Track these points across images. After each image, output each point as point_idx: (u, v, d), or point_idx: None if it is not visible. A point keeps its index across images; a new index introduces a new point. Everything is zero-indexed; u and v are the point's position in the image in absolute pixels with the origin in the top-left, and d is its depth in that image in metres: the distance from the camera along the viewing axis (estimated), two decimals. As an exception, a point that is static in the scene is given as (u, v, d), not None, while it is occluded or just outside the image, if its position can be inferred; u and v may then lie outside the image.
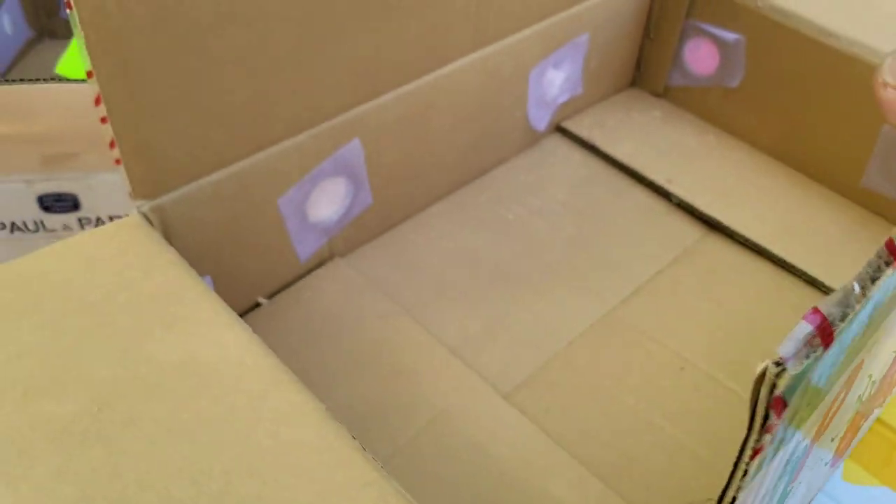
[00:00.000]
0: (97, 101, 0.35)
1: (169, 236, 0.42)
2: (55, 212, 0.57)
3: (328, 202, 0.51)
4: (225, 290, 0.47)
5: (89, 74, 0.34)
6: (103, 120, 0.36)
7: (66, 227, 0.58)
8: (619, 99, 0.69)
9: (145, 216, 0.40)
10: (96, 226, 0.59)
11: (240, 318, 0.34)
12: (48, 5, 0.75)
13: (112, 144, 0.37)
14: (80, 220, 0.58)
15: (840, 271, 0.54)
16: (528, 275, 0.54)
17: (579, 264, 0.55)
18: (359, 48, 0.44)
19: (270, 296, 0.51)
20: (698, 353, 0.49)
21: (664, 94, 0.69)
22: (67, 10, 0.32)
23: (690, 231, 0.58)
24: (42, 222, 0.57)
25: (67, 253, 0.36)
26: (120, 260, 0.36)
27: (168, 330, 0.33)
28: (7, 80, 0.52)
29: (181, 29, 0.35)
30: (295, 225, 0.49)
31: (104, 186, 0.56)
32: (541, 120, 0.63)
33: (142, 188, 0.40)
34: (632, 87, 0.71)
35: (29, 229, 0.58)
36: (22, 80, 0.53)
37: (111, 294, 0.34)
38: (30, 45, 0.75)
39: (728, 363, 0.49)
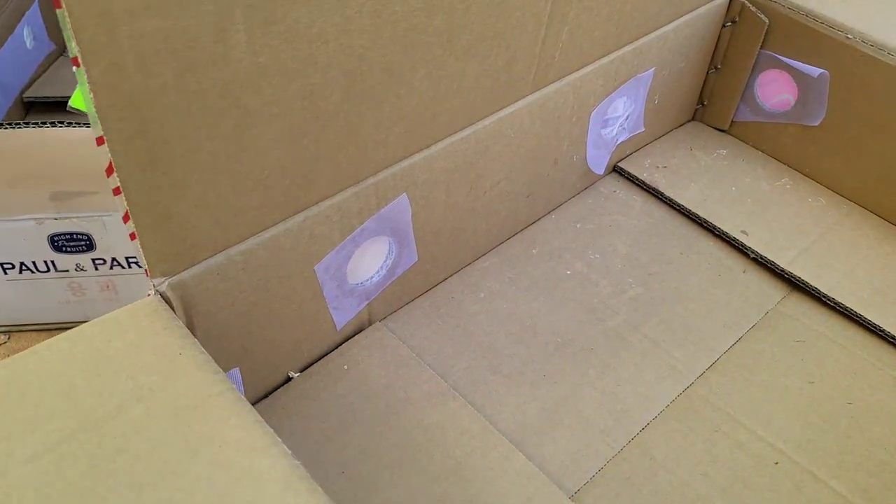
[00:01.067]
0: (109, 171, 0.29)
1: (191, 314, 0.36)
2: (68, 252, 0.52)
3: (370, 263, 0.45)
4: (253, 365, 0.41)
5: (99, 141, 0.28)
6: (116, 191, 0.30)
7: (79, 268, 0.53)
8: (680, 135, 0.63)
9: (164, 297, 0.34)
10: (111, 267, 0.54)
11: (277, 439, 0.28)
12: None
13: (126, 218, 0.31)
14: (94, 260, 0.53)
15: (946, 342, 0.48)
16: (591, 343, 0.47)
17: (649, 331, 0.48)
18: (413, 96, 0.38)
19: (303, 368, 0.45)
20: (793, 443, 0.43)
21: (729, 129, 0.63)
22: (74, 68, 0.26)
23: (771, 291, 0.51)
24: (53, 262, 0.52)
25: (74, 349, 0.30)
26: (135, 359, 0.30)
27: (193, 459, 0.27)
28: (18, 124, 0.47)
29: (213, 87, 0.29)
30: (332, 291, 0.43)
31: (120, 226, 0.51)
32: (600, 162, 0.57)
33: (161, 265, 0.34)
34: (693, 121, 0.64)
35: (39, 270, 0.53)
36: (35, 123, 0.47)
37: (125, 406, 0.28)
38: (51, 60, 0.70)
39: (828, 456, 0.42)
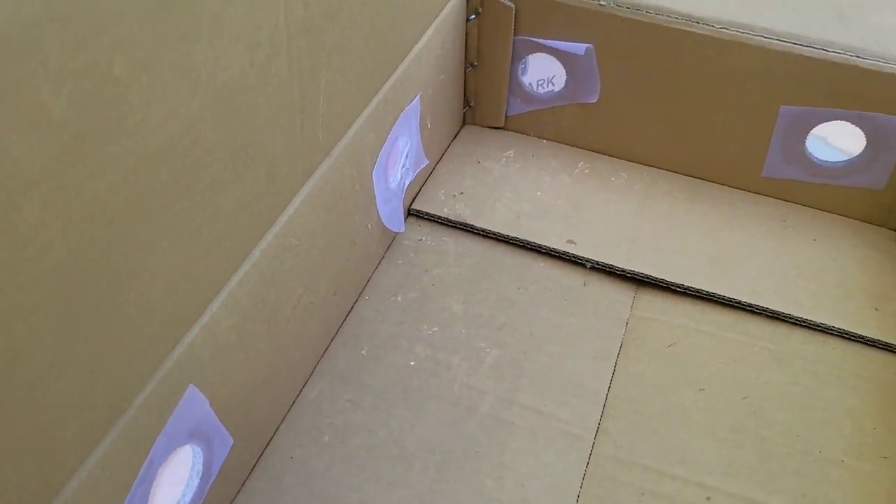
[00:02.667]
0: None
1: None
2: None
3: (174, 482, 0.32)
4: None
5: None
6: None
7: None
8: (459, 147, 0.56)
9: None
10: None
11: None
12: None
13: None
14: None
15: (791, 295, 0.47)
16: (473, 445, 0.39)
17: (525, 399, 0.41)
18: (162, 273, 0.26)
19: None
20: (717, 473, 0.39)
21: (506, 125, 0.57)
22: None
23: (620, 297, 0.47)
24: None
25: None
26: None
27: None
28: None
29: None
30: None
31: None
32: (396, 218, 0.48)
33: None
34: (466, 126, 0.58)
35: None
36: None
37: None
38: None
39: (754, 472, 0.39)
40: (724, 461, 0.39)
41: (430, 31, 0.46)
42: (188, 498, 0.33)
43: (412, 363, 0.43)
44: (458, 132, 0.57)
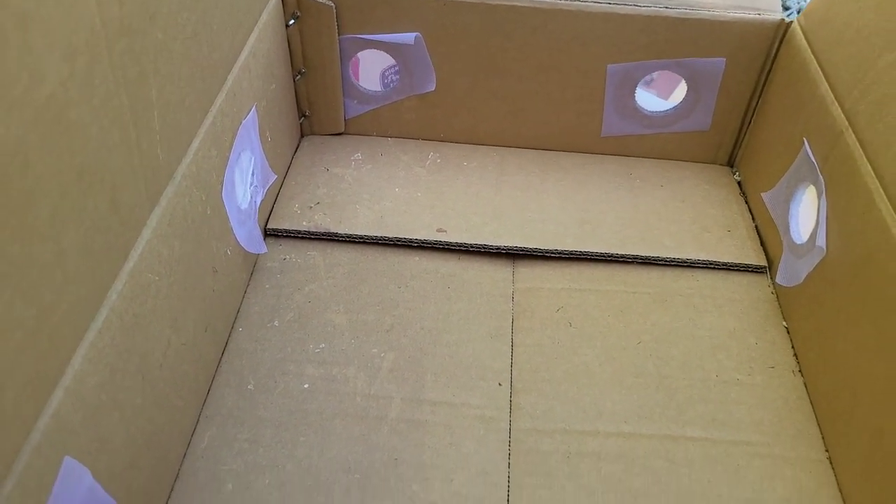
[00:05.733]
0: None
1: None
2: None
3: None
4: None
5: None
6: None
7: None
8: (304, 158, 0.53)
9: None
10: None
11: None
12: None
13: None
14: None
15: (672, 238, 0.48)
16: (391, 453, 0.37)
17: (432, 394, 0.40)
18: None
19: None
20: (633, 420, 0.39)
21: (347, 129, 0.55)
22: None
23: (501, 274, 0.46)
24: None
25: None
26: None
27: None
28: None
29: None
30: None
31: None
32: (254, 239, 0.45)
33: None
34: (305, 137, 0.55)
35: None
36: None
37: None
38: None
39: (666, 409, 0.40)
40: (635, 406, 0.40)
41: (252, 39, 0.43)
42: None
43: (306, 385, 0.40)
44: (299, 143, 0.54)
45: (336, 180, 0.51)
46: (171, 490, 0.35)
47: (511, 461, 0.37)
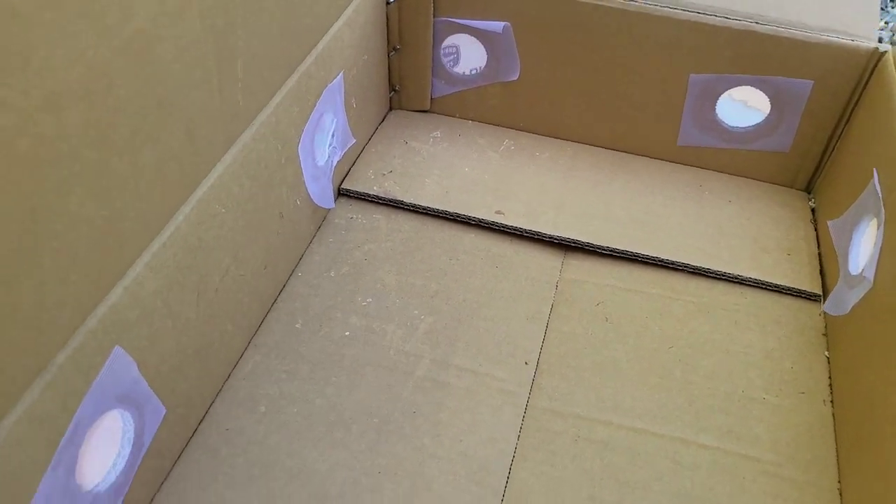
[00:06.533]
0: None
1: None
2: None
3: (104, 452, 0.32)
4: None
5: None
6: None
7: None
8: (387, 130, 0.56)
9: None
10: None
11: None
12: None
13: None
14: None
15: (716, 250, 0.49)
16: (411, 406, 0.40)
17: (460, 360, 0.42)
18: (78, 228, 0.26)
19: None
20: (649, 417, 0.40)
21: (432, 108, 0.58)
22: None
23: (549, 262, 0.48)
24: None
25: None
26: None
27: None
28: None
29: None
30: (68, 518, 0.30)
31: None
32: (326, 195, 0.48)
33: None
34: (393, 111, 0.58)
35: None
36: None
37: None
38: None
39: (683, 413, 0.40)
40: (653, 406, 0.41)
41: (349, 11, 0.47)
42: (119, 467, 0.32)
43: (347, 333, 0.43)
44: (385, 115, 0.58)
45: (412, 153, 0.54)
46: (212, 403, 0.39)
47: (521, 434, 0.39)
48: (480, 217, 0.49)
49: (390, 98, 0.58)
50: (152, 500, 0.36)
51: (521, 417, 0.40)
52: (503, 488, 0.37)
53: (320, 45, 0.44)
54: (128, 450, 0.33)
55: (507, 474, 0.37)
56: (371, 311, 0.44)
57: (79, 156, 0.25)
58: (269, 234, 0.42)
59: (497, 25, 0.52)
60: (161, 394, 0.34)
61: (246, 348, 0.42)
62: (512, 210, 0.50)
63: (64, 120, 0.24)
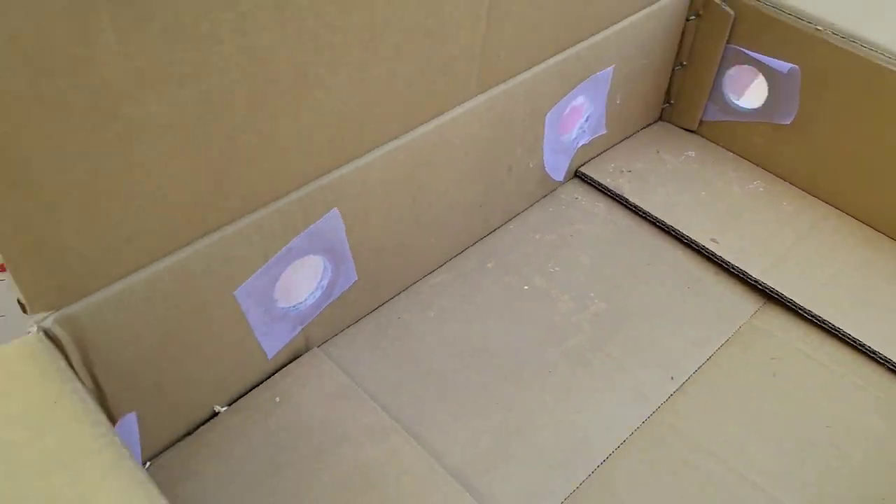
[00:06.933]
0: (-39, 195, 0.25)
1: (88, 352, 0.32)
2: None
3: (303, 284, 0.41)
4: (172, 401, 0.37)
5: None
6: (-26, 217, 0.26)
7: None
8: (646, 136, 0.59)
9: (49, 334, 0.30)
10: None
11: (161, 504, 0.24)
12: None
13: (-7, 250, 0.27)
14: None
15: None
16: (550, 365, 0.44)
17: (613, 350, 0.45)
18: (334, 101, 0.34)
19: (232, 402, 0.41)
20: (768, 474, 0.39)
21: (698, 129, 0.59)
22: None
23: (743, 303, 0.48)
24: None
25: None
26: (15, 395, 0.26)
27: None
28: None
29: (80, 96, 0.25)
30: (259, 317, 0.39)
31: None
32: (559, 168, 0.53)
33: (41, 298, 0.30)
34: (660, 122, 0.61)
35: None
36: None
37: (-20, 469, 0.24)
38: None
39: (806, 487, 0.39)
40: (779, 468, 0.39)
41: (643, 13, 0.50)
42: (308, 302, 0.41)
43: (526, 287, 0.48)
44: (651, 123, 0.60)
45: (658, 163, 0.56)
46: (396, 295, 0.47)
47: (635, 434, 0.41)
48: (694, 238, 0.50)
49: (662, 109, 0.60)
50: (323, 343, 0.44)
51: (643, 420, 0.41)
52: (594, 467, 0.39)
53: (599, 36, 0.48)
54: (319, 293, 0.41)
55: (603, 458, 0.40)
56: (555, 278, 0.48)
57: (350, 47, 0.33)
58: (493, 179, 0.48)
59: (785, 66, 0.51)
60: (357, 263, 0.42)
61: (440, 267, 0.49)
62: (728, 243, 0.50)
63: (348, 19, 0.32)
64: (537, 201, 0.54)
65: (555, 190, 0.55)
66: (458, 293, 0.47)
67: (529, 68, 0.45)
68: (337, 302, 0.43)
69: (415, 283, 0.48)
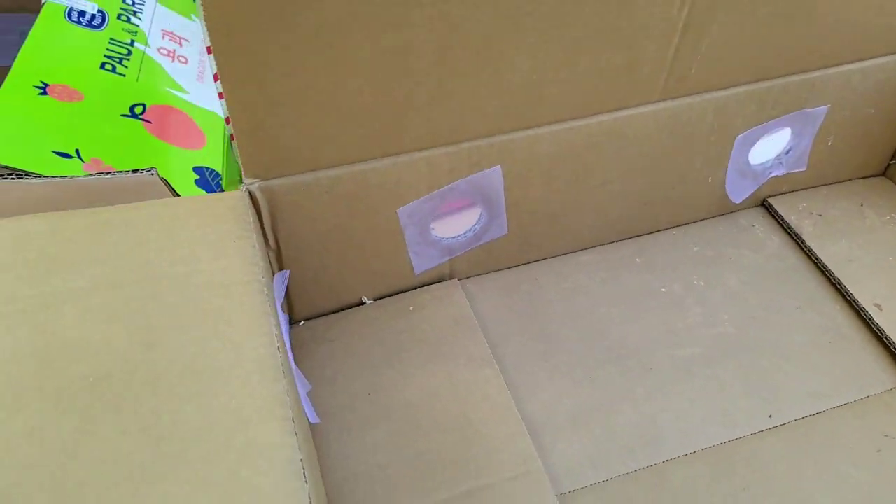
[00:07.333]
0: (215, 77, 0.35)
1: (276, 218, 0.42)
2: None
3: (458, 222, 0.47)
4: (330, 281, 0.46)
5: (208, 50, 0.34)
6: (220, 96, 0.36)
7: None
8: (856, 186, 0.57)
9: (252, 195, 0.40)
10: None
11: (275, 337, 0.32)
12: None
13: (227, 120, 0.37)
14: None
15: None
16: (654, 364, 0.46)
17: (721, 372, 0.46)
18: (514, 73, 0.40)
19: (377, 298, 0.49)
20: (824, 534, 0.39)
21: (921, 196, 0.56)
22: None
23: (883, 376, 0.46)
24: None
25: (159, 210, 0.37)
26: (199, 232, 0.36)
27: (201, 321, 0.32)
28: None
29: (309, 25, 0.34)
30: (414, 236, 0.46)
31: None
32: (739, 192, 0.54)
33: (253, 168, 0.39)
34: (881, 177, 0.58)
35: None
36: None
37: (171, 264, 0.34)
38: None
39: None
40: (838, 534, 0.39)
41: (874, 62, 0.49)
42: (461, 239, 0.48)
43: (663, 290, 0.50)
44: (869, 176, 0.58)
45: (856, 216, 0.54)
46: (539, 261, 0.52)
47: (707, 450, 0.42)
48: (857, 296, 0.49)
49: (888, 164, 0.57)
50: (464, 278, 0.51)
51: (722, 442, 0.43)
52: (656, 462, 0.42)
53: (816, 73, 0.48)
54: (471, 234, 0.48)
55: (668, 458, 0.42)
56: (695, 290, 0.50)
57: (536, 31, 0.38)
58: (662, 182, 0.50)
59: None
60: (510, 220, 0.48)
61: (590, 248, 0.53)
62: (893, 314, 0.48)
63: (539, 4, 0.37)
64: (710, 217, 0.55)
65: (734, 212, 0.55)
66: (598, 276, 0.51)
67: (725, 88, 0.46)
68: (485, 247, 0.49)
69: (562, 255, 0.52)
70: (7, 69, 0.46)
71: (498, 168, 0.44)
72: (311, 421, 0.41)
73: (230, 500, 0.27)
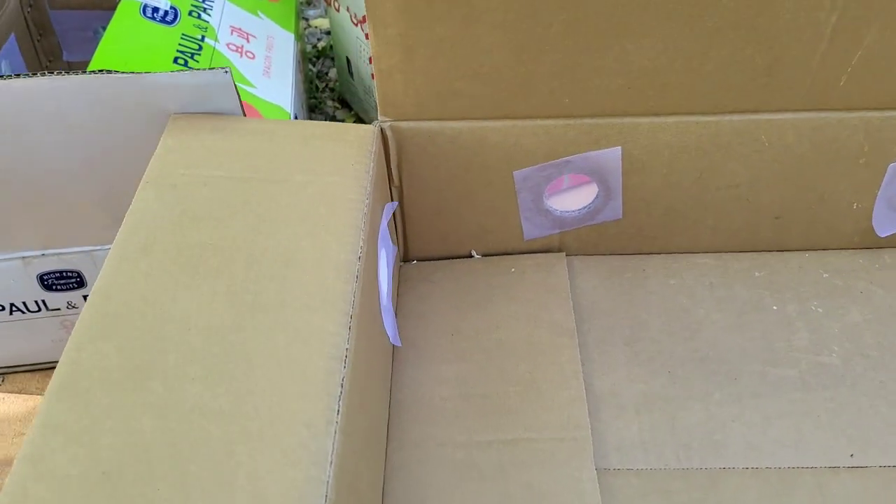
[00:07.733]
0: (363, 19, 0.40)
1: (401, 158, 0.46)
2: (58, 290, 0.49)
3: (573, 198, 0.49)
4: (443, 230, 0.50)
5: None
6: (367, 36, 0.41)
7: (70, 306, 0.50)
8: None
9: (382, 131, 0.44)
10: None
11: (363, 243, 0.37)
12: (49, 48, 0.69)
13: (370, 60, 0.42)
14: (85, 297, 0.49)
15: None
16: (741, 375, 0.45)
17: (810, 399, 0.44)
18: (641, 56, 0.41)
19: (486, 254, 0.52)
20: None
21: None
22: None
23: None
24: (44, 302, 0.50)
25: (299, 128, 0.42)
26: (325, 151, 0.41)
27: (302, 221, 0.37)
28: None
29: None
30: (527, 202, 0.49)
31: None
32: (887, 226, 0.50)
33: (388, 108, 0.44)
34: None
35: (29, 310, 0.50)
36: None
37: (294, 172, 0.39)
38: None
39: None
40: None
41: None
42: (573, 215, 0.49)
43: (775, 308, 0.48)
44: None
45: None
46: (651, 254, 0.52)
47: (766, 470, 0.41)
48: None
49: None
50: (572, 254, 0.52)
51: (790, 467, 0.41)
52: (714, 467, 0.41)
53: None
54: (584, 212, 0.49)
55: (727, 466, 0.41)
56: (809, 316, 0.48)
57: (672, 13, 0.39)
58: (797, 198, 0.48)
59: None
60: (625, 205, 0.49)
61: (709, 252, 0.52)
62: None
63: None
64: (851, 248, 0.52)
65: (880, 248, 0.51)
66: (709, 280, 0.50)
67: (880, 109, 0.44)
68: (597, 228, 0.50)
69: (677, 252, 0.52)
70: (86, 64, 0.49)
71: (618, 149, 0.46)
72: (392, 342, 0.45)
73: (278, 365, 0.31)
